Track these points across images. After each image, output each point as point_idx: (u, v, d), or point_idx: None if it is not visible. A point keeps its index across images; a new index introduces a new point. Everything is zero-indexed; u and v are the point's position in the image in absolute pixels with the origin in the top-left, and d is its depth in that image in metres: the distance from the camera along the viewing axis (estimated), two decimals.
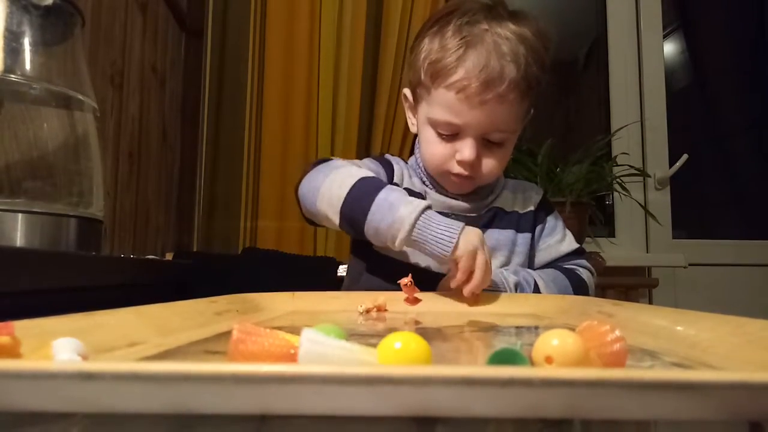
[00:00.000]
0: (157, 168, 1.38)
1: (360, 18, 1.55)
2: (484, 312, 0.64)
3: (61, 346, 0.24)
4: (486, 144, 0.76)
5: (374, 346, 0.24)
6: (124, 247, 1.16)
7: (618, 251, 1.73)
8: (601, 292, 1.54)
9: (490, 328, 0.51)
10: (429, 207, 0.67)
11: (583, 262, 0.85)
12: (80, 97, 0.71)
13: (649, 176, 1.77)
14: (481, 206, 0.83)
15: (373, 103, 1.57)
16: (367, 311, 0.60)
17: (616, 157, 1.66)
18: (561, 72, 2.06)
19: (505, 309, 0.65)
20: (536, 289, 0.76)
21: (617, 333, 0.26)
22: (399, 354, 0.23)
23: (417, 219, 0.65)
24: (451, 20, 0.76)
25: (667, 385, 0.17)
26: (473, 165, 0.76)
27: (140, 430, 0.19)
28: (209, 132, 1.59)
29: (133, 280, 0.76)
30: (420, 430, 0.19)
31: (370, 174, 0.72)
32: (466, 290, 0.65)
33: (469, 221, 0.81)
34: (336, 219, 0.71)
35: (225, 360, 0.26)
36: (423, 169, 0.84)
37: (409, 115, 0.86)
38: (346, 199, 0.69)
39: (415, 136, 0.86)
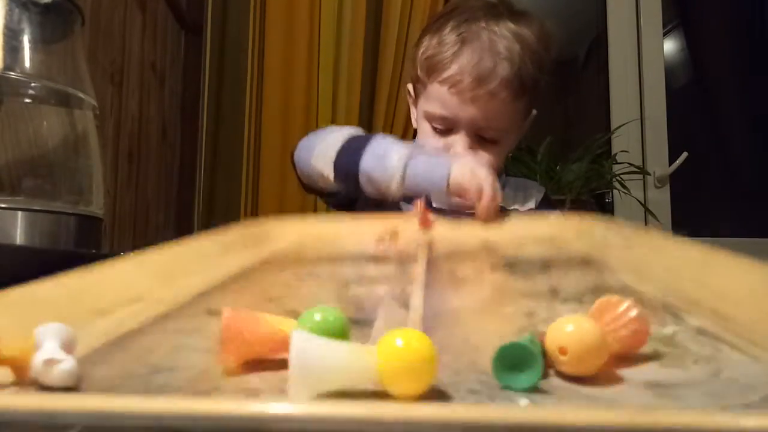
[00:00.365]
0: (157, 166, 1.38)
1: (360, 15, 1.55)
2: (500, 237, 0.59)
3: (44, 335, 0.22)
4: (479, 140, 0.77)
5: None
6: (123, 245, 1.16)
7: None
8: None
9: (507, 265, 0.47)
10: (418, 149, 0.67)
11: None
12: (80, 94, 0.71)
13: (649, 174, 1.76)
14: None
15: (373, 99, 1.57)
16: (382, 239, 0.56)
17: (615, 155, 1.66)
18: (561, 70, 2.06)
19: (521, 231, 0.60)
20: None
21: (636, 312, 0.24)
22: (401, 353, 0.21)
23: (408, 159, 0.65)
24: (451, 17, 0.77)
25: None
26: None
27: None
28: (209, 130, 1.59)
29: None
30: None
31: (362, 132, 0.73)
32: (480, 208, 0.61)
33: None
34: (330, 174, 0.70)
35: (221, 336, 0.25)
36: None
37: (412, 109, 0.87)
38: (339, 152, 0.69)
39: (416, 132, 0.87)
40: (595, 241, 0.53)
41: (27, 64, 0.65)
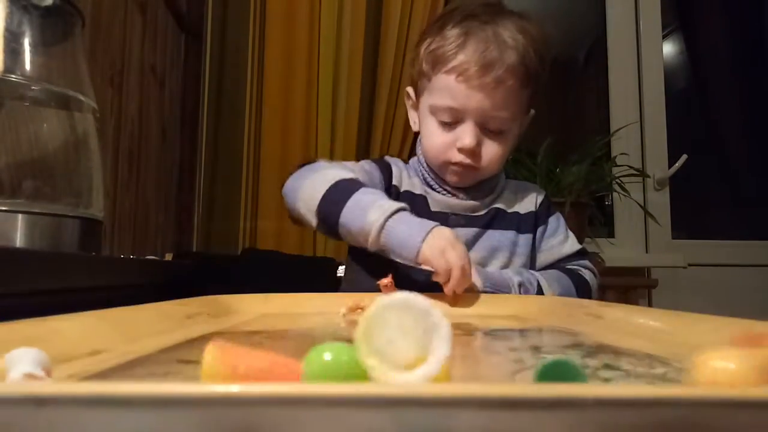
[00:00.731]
0: (157, 168, 1.38)
1: (360, 17, 1.55)
2: (465, 314, 0.63)
3: (19, 358, 0.20)
4: (486, 132, 0.77)
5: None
6: (123, 247, 1.16)
7: (617, 252, 1.73)
8: (600, 292, 1.53)
9: (475, 331, 0.50)
10: (399, 210, 0.67)
11: (586, 263, 0.85)
12: (80, 97, 0.71)
13: (649, 177, 1.77)
14: (481, 206, 0.83)
15: (373, 100, 1.57)
16: (350, 310, 0.58)
17: (615, 157, 1.66)
18: (560, 72, 2.06)
19: (487, 310, 0.64)
20: (539, 290, 0.76)
21: None
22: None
23: (383, 225, 0.65)
24: (452, 16, 0.79)
25: None
26: (474, 152, 0.77)
27: None
28: (209, 132, 1.59)
29: (132, 281, 0.76)
30: None
31: (349, 176, 0.73)
32: (447, 290, 0.64)
33: (470, 221, 0.81)
34: (313, 220, 0.72)
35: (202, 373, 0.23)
36: (425, 166, 0.85)
37: (411, 113, 0.87)
38: (321, 200, 0.70)
39: (416, 136, 0.87)
40: (561, 316, 0.55)
41: (27, 66, 0.65)
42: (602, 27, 1.89)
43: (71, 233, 0.67)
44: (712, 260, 1.79)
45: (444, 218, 0.81)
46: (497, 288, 0.72)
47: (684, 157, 1.75)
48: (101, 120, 0.82)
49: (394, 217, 0.66)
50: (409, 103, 0.87)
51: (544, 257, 0.85)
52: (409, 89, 0.86)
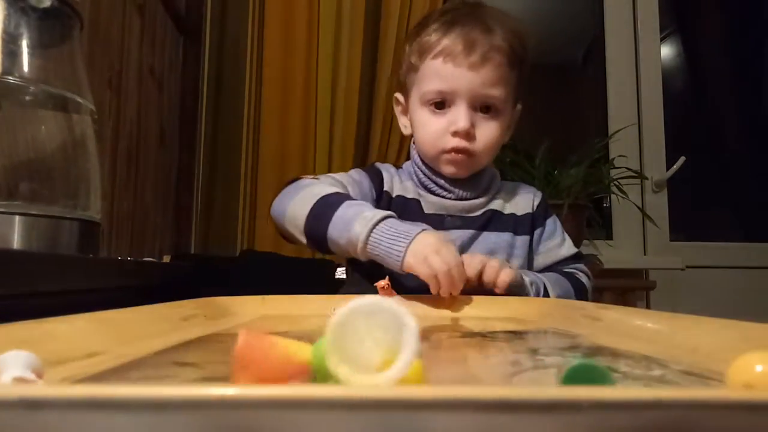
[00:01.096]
0: (155, 170, 1.38)
1: (358, 20, 1.56)
2: (463, 316, 0.63)
3: (10, 361, 0.20)
4: (478, 114, 0.78)
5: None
6: (121, 249, 1.16)
7: (615, 253, 1.74)
8: (598, 294, 1.54)
9: (473, 333, 0.50)
10: (384, 219, 0.66)
11: (582, 266, 0.85)
12: (78, 99, 0.71)
13: (647, 179, 1.77)
14: (477, 206, 0.83)
15: (371, 102, 1.57)
16: None
17: (613, 159, 1.66)
18: (558, 74, 2.06)
19: (485, 312, 0.64)
20: (545, 292, 0.75)
21: None
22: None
23: (368, 236, 0.65)
24: (434, 13, 0.83)
25: None
26: (468, 134, 0.77)
27: None
28: (207, 134, 1.59)
29: (130, 283, 0.76)
30: None
31: (333, 190, 0.73)
32: (442, 292, 0.64)
33: (465, 222, 0.81)
34: (302, 239, 0.72)
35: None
36: (419, 165, 0.84)
37: (401, 118, 0.88)
38: (307, 218, 0.70)
39: (410, 139, 0.87)
40: (558, 318, 0.55)
41: (25, 68, 0.65)
42: (600, 29, 1.89)
43: (69, 235, 0.67)
44: (710, 262, 1.80)
45: (439, 220, 0.81)
46: (517, 288, 0.72)
47: (682, 159, 1.76)
48: (99, 122, 0.82)
49: (379, 227, 0.66)
50: (398, 109, 0.88)
51: (541, 259, 0.85)
52: (398, 95, 0.87)
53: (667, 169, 1.80)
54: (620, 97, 1.86)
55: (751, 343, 0.30)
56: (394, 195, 0.83)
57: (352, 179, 0.81)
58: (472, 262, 0.69)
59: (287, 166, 1.53)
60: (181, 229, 1.54)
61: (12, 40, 0.64)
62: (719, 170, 2.06)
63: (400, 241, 0.64)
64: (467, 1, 0.84)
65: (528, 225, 0.85)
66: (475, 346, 0.44)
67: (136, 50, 1.25)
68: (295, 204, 0.72)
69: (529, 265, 0.84)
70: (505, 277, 0.68)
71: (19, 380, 0.20)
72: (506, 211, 0.85)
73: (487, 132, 0.78)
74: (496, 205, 0.84)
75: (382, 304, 0.20)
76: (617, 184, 1.50)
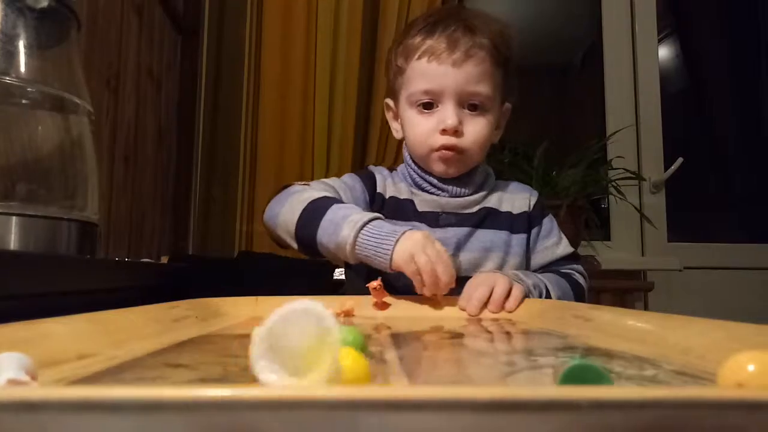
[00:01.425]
0: (153, 171, 1.38)
1: (356, 22, 1.55)
2: (454, 316, 0.63)
3: (4, 363, 0.20)
4: (466, 112, 0.79)
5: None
6: (119, 250, 1.16)
7: (613, 254, 1.74)
8: (596, 295, 1.54)
9: (464, 333, 0.50)
10: (371, 221, 0.67)
11: (579, 267, 0.85)
12: (75, 100, 0.71)
13: (645, 180, 1.77)
14: (471, 203, 0.83)
15: (369, 103, 1.57)
16: (336, 315, 0.58)
17: (611, 160, 1.67)
18: (557, 76, 2.07)
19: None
20: (547, 294, 0.75)
21: None
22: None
23: (356, 239, 0.66)
24: (417, 19, 0.84)
25: None
26: (457, 131, 0.78)
27: None
28: (205, 135, 1.59)
29: (128, 284, 0.76)
30: None
31: (323, 194, 0.73)
32: (426, 291, 0.65)
33: (460, 220, 0.82)
34: (294, 244, 0.73)
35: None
36: (411, 165, 0.85)
37: (392, 123, 0.89)
38: (297, 223, 0.71)
39: (402, 143, 0.88)
40: (550, 318, 0.55)
41: (22, 69, 0.65)
42: (598, 31, 1.90)
43: (66, 236, 0.67)
44: (707, 263, 1.80)
45: (434, 217, 0.81)
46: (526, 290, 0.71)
47: (680, 160, 1.76)
48: (97, 122, 0.81)
49: (366, 228, 0.66)
50: (389, 114, 0.89)
51: (539, 258, 0.85)
52: (388, 100, 0.89)
53: (665, 170, 1.81)
54: (618, 98, 1.86)
55: (743, 343, 0.31)
56: (387, 196, 0.84)
57: (345, 184, 0.82)
58: (475, 293, 0.66)
59: (285, 166, 1.53)
60: (179, 230, 1.54)
61: (9, 41, 0.64)
62: (717, 171, 2.06)
63: (386, 241, 0.65)
64: (451, 5, 0.87)
65: (524, 224, 0.85)
66: (467, 346, 0.44)
67: (134, 50, 1.25)
68: (286, 210, 0.73)
69: (526, 264, 0.84)
70: (514, 302, 0.66)
71: (13, 382, 0.20)
72: (502, 209, 0.85)
73: (475, 129, 0.79)
74: (492, 203, 0.85)
75: (312, 309, 0.20)
76: (615, 185, 1.51)
